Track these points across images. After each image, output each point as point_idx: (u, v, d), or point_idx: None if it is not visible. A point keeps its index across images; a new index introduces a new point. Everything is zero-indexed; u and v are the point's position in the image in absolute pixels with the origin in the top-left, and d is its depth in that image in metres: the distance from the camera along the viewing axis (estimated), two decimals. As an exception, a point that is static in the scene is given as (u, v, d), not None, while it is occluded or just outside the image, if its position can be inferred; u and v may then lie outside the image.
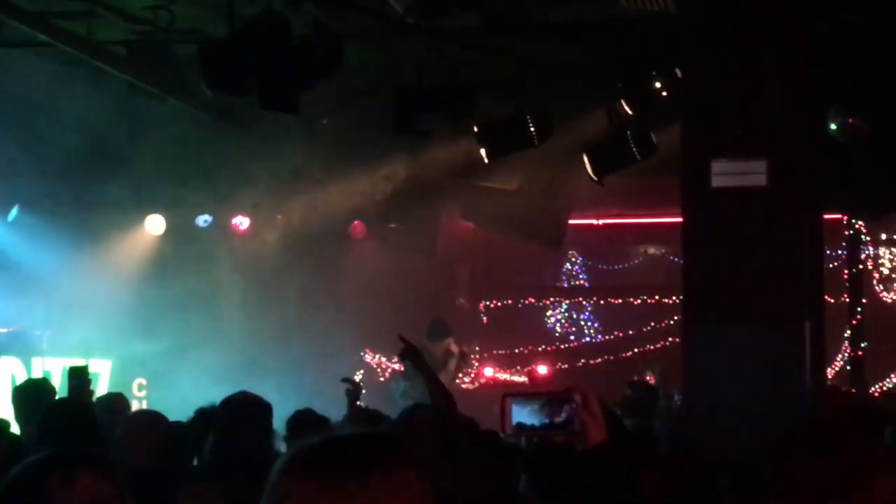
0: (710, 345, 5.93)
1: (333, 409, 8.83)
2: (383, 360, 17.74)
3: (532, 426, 3.44)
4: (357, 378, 17.27)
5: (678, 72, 9.26)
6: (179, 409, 8.42)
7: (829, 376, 16.19)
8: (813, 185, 10.81)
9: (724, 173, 5.93)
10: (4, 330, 13.68)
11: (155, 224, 15.33)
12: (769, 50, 6.03)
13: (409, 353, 7.45)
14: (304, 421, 6.88)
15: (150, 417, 7.31)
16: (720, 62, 6.07)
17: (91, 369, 14.10)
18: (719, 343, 5.92)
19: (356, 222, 16.24)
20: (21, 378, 12.66)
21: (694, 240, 6.11)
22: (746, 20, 6.04)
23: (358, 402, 8.92)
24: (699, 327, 5.98)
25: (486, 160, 11.50)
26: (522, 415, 3.45)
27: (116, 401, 8.82)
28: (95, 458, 3.36)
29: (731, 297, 5.93)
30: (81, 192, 13.50)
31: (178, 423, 7.36)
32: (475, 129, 11.28)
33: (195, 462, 6.98)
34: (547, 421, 3.44)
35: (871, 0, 8.77)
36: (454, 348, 16.11)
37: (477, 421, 9.01)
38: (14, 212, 14.02)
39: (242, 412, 5.91)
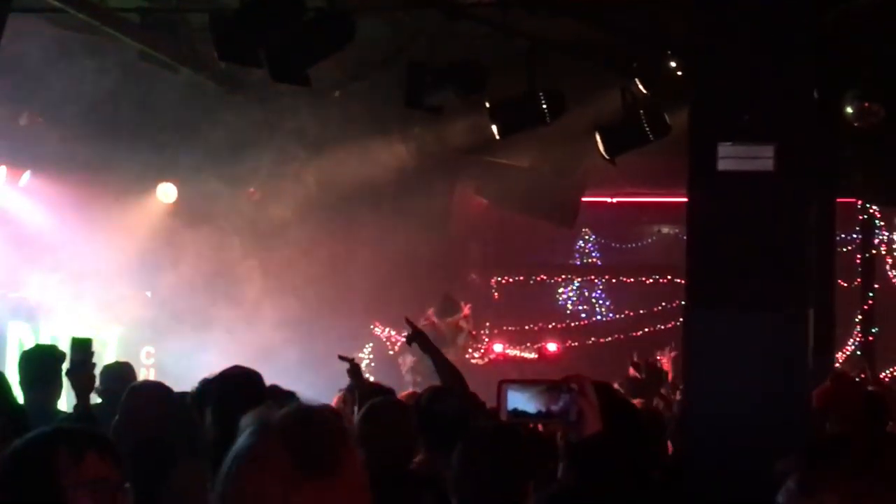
0: (711, 328, 5.89)
1: (340, 380, 8.80)
2: (392, 333, 17.74)
3: (528, 413, 3.43)
4: (367, 351, 17.35)
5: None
6: (188, 377, 8.42)
7: (840, 360, 16.15)
8: (822, 171, 10.79)
9: (730, 157, 5.88)
10: (14, 295, 13.69)
11: (166, 192, 15.32)
12: (779, 33, 5.97)
13: (415, 337, 7.46)
14: (270, 396, 6.84)
15: (155, 388, 7.31)
16: (729, 45, 6.01)
17: (100, 336, 14.26)
18: (721, 326, 5.88)
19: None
20: (29, 343, 12.69)
21: (699, 223, 6.06)
22: (756, 2, 5.97)
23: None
24: (701, 311, 5.94)
25: (497, 137, 11.45)
26: (519, 401, 3.43)
27: (124, 369, 8.82)
28: (101, 438, 3.40)
29: (735, 282, 5.89)
30: (93, 157, 13.47)
31: (183, 394, 7.36)
32: (487, 105, 11.23)
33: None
34: (543, 409, 3.42)
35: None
36: (463, 324, 16.09)
37: (489, 397, 9.02)
38: (26, 176, 14.02)
39: (233, 388, 5.88)
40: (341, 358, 8.28)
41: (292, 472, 2.20)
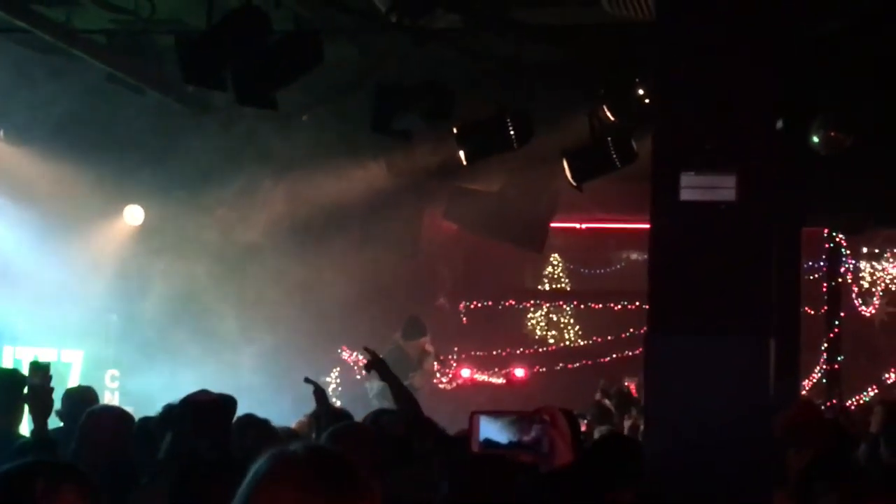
0: (672, 354, 5.89)
1: (306, 404, 8.75)
2: (360, 357, 17.67)
3: (499, 443, 3.41)
4: (334, 375, 17.28)
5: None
6: (152, 401, 8.36)
7: (806, 388, 16.20)
8: (788, 199, 10.83)
9: (692, 187, 5.89)
10: (-24, 318, 13.59)
11: (134, 214, 15.24)
12: (741, 63, 5.99)
13: (374, 365, 7.46)
14: (246, 424, 6.82)
15: (114, 413, 7.26)
16: (691, 74, 6.02)
17: (63, 359, 14.15)
18: (682, 354, 5.88)
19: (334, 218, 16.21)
20: (-8, 366, 12.58)
21: (661, 251, 6.06)
22: (718, 33, 5.99)
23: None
24: (662, 336, 5.94)
25: (465, 162, 11.45)
26: (491, 431, 3.41)
27: (86, 393, 8.76)
28: (78, 472, 3.43)
29: (696, 310, 5.89)
30: (59, 179, 13.40)
31: (145, 419, 7.30)
32: (455, 130, 11.22)
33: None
34: (515, 439, 3.40)
35: (848, 12, 8.73)
36: (430, 347, 16.05)
37: (454, 421, 9.00)
38: (-9, 198, 13.93)
39: (199, 413, 5.85)
40: (307, 381, 8.24)
41: (313, 484, 2.21)
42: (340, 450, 2.35)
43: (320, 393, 8.10)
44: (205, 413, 5.74)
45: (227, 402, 6.29)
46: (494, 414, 3.41)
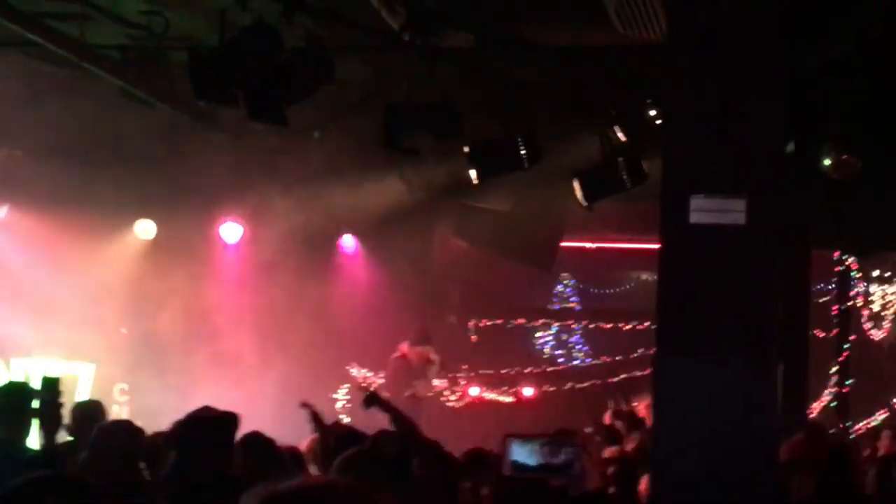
0: (679, 377, 5.86)
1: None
2: (369, 375, 17.66)
3: (529, 466, 3.40)
4: (343, 392, 17.27)
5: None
6: (161, 415, 8.36)
7: (815, 411, 16.15)
8: (798, 222, 10.82)
9: (702, 210, 5.87)
10: (-14, 330, 13.63)
11: (145, 228, 15.28)
12: (751, 86, 5.98)
13: (372, 401, 7.54)
14: (251, 443, 6.81)
15: (123, 428, 7.25)
16: (701, 96, 6.02)
17: (73, 372, 14.18)
18: (690, 378, 5.85)
19: (347, 236, 16.24)
20: (2, 379, 12.60)
21: (670, 274, 6.04)
22: (728, 55, 5.98)
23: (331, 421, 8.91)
24: (670, 360, 5.92)
25: (475, 181, 11.46)
26: (522, 454, 3.41)
27: (94, 407, 8.77)
28: (89, 491, 3.40)
29: (704, 334, 5.87)
30: (71, 192, 13.45)
31: (156, 434, 7.31)
32: (466, 150, 11.24)
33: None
34: (545, 462, 3.40)
35: (857, 36, 8.73)
36: (434, 357, 16.02)
37: (462, 439, 9.00)
38: (3, 210, 13.98)
39: (201, 431, 5.83)
40: (302, 405, 8.28)
41: None
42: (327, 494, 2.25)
43: (314, 415, 8.14)
44: (207, 430, 5.73)
45: (230, 420, 6.29)
46: (525, 437, 3.41)
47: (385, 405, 7.53)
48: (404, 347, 15.90)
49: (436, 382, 16.22)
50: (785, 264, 7.98)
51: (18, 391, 7.99)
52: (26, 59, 11.26)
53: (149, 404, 13.46)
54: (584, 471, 3.38)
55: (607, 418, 13.62)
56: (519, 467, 3.40)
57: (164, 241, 15.37)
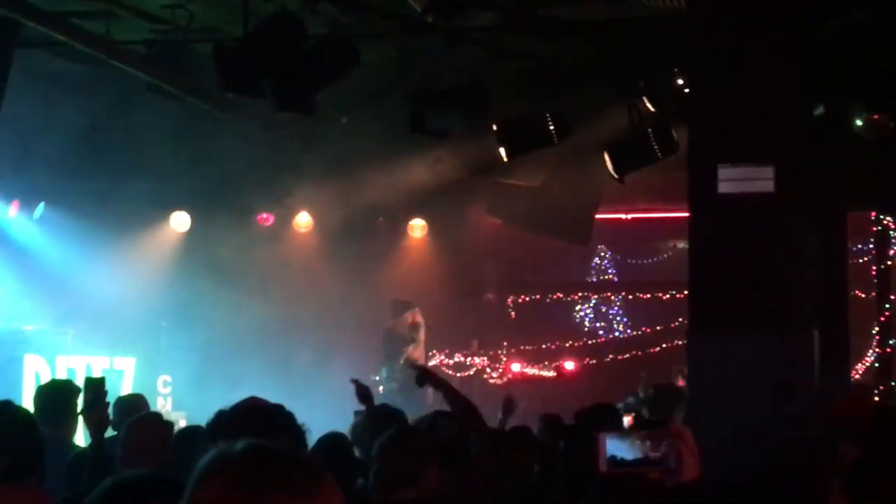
0: (713, 351, 5.86)
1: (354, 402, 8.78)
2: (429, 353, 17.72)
3: (627, 461, 3.38)
4: (384, 373, 17.34)
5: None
6: (204, 407, 8.41)
7: (859, 372, 16.06)
8: (829, 186, 10.73)
9: (730, 179, 5.85)
10: (29, 327, 13.72)
11: (180, 221, 15.36)
12: (776, 54, 5.95)
13: (424, 378, 7.52)
14: (332, 447, 6.79)
15: (153, 421, 7.29)
16: (726, 66, 5.99)
17: (116, 367, 14.29)
18: (725, 351, 5.85)
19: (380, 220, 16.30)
20: (45, 376, 12.71)
21: (700, 246, 6.04)
22: (752, 22, 5.95)
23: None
24: (704, 333, 5.92)
25: (505, 159, 11.44)
26: (619, 449, 3.38)
27: (136, 401, 8.82)
28: (162, 491, 3.27)
29: (737, 306, 5.86)
30: (105, 188, 13.54)
31: (194, 427, 7.34)
32: (494, 128, 11.22)
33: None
34: (642, 456, 3.38)
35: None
36: (419, 318, 16.21)
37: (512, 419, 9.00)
38: (40, 208, 14.08)
39: (247, 420, 5.84)
40: (353, 382, 8.30)
41: (244, 479, 2.10)
42: (287, 447, 2.22)
43: (364, 391, 8.12)
44: (256, 420, 5.73)
45: (278, 411, 6.31)
46: (620, 431, 3.40)
47: (438, 382, 7.51)
48: (388, 325, 16.20)
49: None
50: (821, 227, 7.92)
51: (63, 389, 8.06)
52: (54, 57, 11.32)
53: (192, 396, 13.56)
54: (682, 461, 3.35)
55: (641, 391, 13.62)
56: (616, 462, 3.37)
57: (199, 233, 15.45)
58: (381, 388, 15.39)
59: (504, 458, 7.05)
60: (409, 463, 5.61)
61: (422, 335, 16.32)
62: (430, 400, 15.44)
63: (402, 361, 15.82)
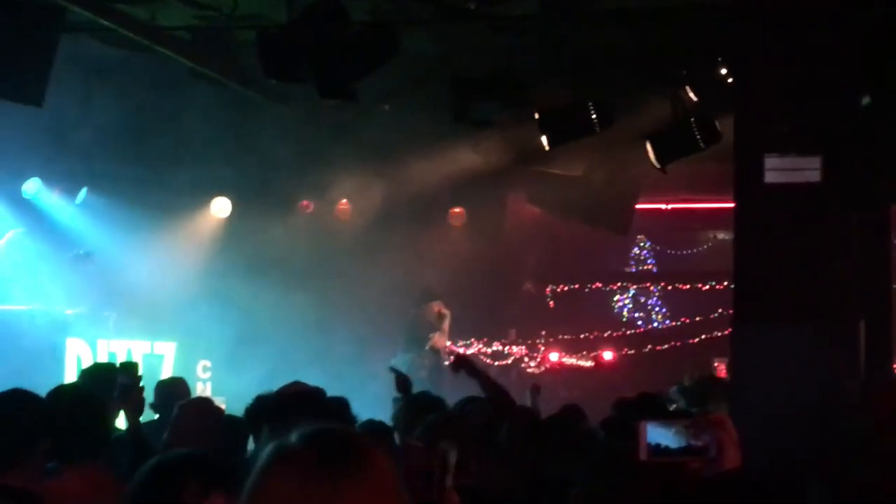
0: (759, 341, 5.82)
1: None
2: (448, 344, 17.71)
3: (669, 449, 3.36)
4: (398, 359, 17.39)
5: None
6: (243, 392, 8.45)
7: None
8: (874, 177, 10.63)
9: (777, 169, 5.81)
10: (71, 311, 13.82)
11: (221, 206, 15.41)
12: (823, 41, 5.89)
13: (461, 365, 7.52)
14: (373, 433, 6.79)
15: (204, 406, 7.33)
16: (772, 54, 5.94)
17: (156, 351, 14.38)
18: (768, 340, 5.82)
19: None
20: (87, 360, 12.82)
21: (746, 236, 6.00)
22: (799, 10, 5.90)
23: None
24: (749, 323, 5.88)
25: (547, 148, 11.41)
26: (661, 437, 3.36)
27: (177, 385, 8.87)
28: (229, 478, 3.32)
29: (782, 296, 5.82)
30: (147, 173, 13.61)
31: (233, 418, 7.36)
32: (536, 116, 11.19)
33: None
34: (685, 444, 3.36)
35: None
36: (445, 310, 16.38)
37: (544, 404, 8.99)
38: (82, 193, 14.17)
39: (292, 405, 5.85)
40: (392, 370, 8.31)
41: (316, 468, 2.11)
42: (340, 427, 2.24)
43: (403, 381, 8.13)
44: (301, 404, 5.73)
45: (318, 395, 6.32)
46: (662, 420, 3.39)
47: (474, 369, 7.51)
48: (413, 311, 16.48)
49: None
50: (866, 219, 7.85)
51: (104, 372, 8.12)
52: (99, 43, 11.37)
53: (232, 381, 13.62)
54: (724, 450, 3.32)
55: (686, 381, 13.57)
56: (657, 450, 3.35)
57: (240, 219, 15.50)
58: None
59: (541, 446, 7.04)
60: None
61: (446, 325, 16.45)
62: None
63: (427, 347, 15.98)
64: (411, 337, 16.36)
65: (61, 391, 5.73)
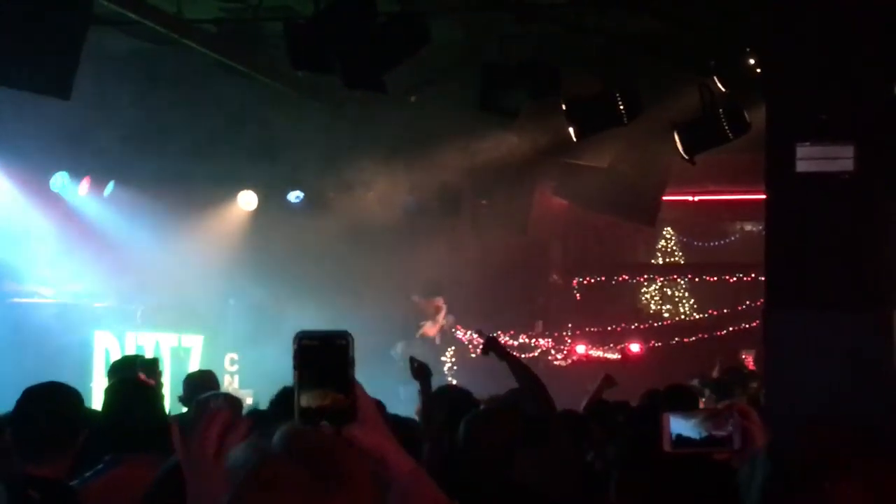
0: (792, 330, 5.79)
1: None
2: (475, 336, 17.70)
3: (692, 440, 3.34)
4: (449, 354, 17.36)
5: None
6: (271, 385, 8.44)
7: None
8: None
9: (809, 158, 5.77)
10: (99, 304, 13.85)
11: (247, 200, 15.43)
12: (855, 28, 5.84)
13: (490, 347, 7.45)
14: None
15: (221, 400, 7.32)
16: (803, 42, 5.89)
17: (184, 344, 14.40)
18: (802, 328, 5.78)
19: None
20: (115, 352, 12.85)
21: (778, 225, 5.96)
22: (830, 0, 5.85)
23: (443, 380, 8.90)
24: (782, 312, 5.84)
25: (574, 139, 11.37)
26: (683, 428, 3.34)
27: (206, 377, 8.88)
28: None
29: (815, 284, 5.78)
30: (174, 167, 13.61)
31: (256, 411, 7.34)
32: (564, 107, 11.15)
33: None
34: (708, 435, 3.34)
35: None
36: (442, 305, 16.66)
37: (572, 398, 8.95)
38: (110, 187, 14.20)
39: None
40: (411, 360, 8.10)
41: (312, 488, 2.07)
42: (315, 431, 2.17)
43: (420, 368, 7.80)
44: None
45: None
46: (685, 412, 3.37)
47: (503, 352, 7.45)
48: (416, 299, 16.76)
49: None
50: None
51: (130, 366, 8.16)
52: (125, 36, 11.38)
53: (259, 374, 13.62)
54: (750, 440, 3.29)
55: (716, 372, 13.53)
56: (681, 441, 3.32)
57: (266, 213, 15.51)
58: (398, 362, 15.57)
59: (580, 436, 7.00)
60: (500, 441, 5.56)
61: (441, 318, 16.57)
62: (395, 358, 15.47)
63: (417, 335, 16.15)
64: (406, 325, 16.57)
65: (114, 386, 5.78)
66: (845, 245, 5.75)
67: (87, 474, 4.89)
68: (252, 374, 14.31)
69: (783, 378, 5.82)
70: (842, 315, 5.71)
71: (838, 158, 5.72)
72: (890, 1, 5.98)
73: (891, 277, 5.91)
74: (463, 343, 17.84)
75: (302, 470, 2.08)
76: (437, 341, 16.78)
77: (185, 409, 8.10)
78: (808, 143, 5.73)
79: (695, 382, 12.70)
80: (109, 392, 5.48)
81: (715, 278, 19.28)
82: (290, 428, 2.15)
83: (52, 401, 4.74)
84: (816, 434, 2.31)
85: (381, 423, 2.27)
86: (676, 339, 18.78)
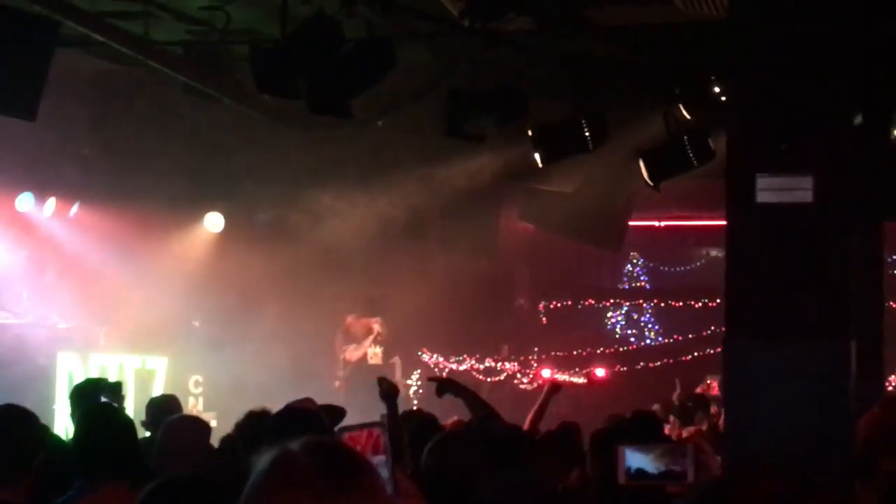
0: (751, 358, 5.81)
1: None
2: (440, 359, 17.71)
3: (648, 473, 3.37)
4: (415, 378, 17.33)
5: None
6: (235, 408, 8.42)
7: (893, 384, 15.95)
8: (866, 195, 10.65)
9: (769, 188, 5.81)
10: (63, 326, 13.79)
11: (214, 221, 15.39)
12: (817, 62, 5.90)
13: (444, 388, 7.49)
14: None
15: (190, 423, 7.28)
16: (765, 74, 5.94)
17: (148, 366, 14.34)
18: (761, 358, 5.80)
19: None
20: (78, 373, 12.78)
21: (737, 254, 5.99)
22: (794, 30, 5.90)
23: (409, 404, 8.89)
24: (740, 341, 5.87)
25: (540, 165, 11.42)
26: (639, 461, 3.36)
27: (169, 402, 8.83)
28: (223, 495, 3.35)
29: (774, 313, 5.81)
30: (140, 188, 13.58)
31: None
32: (530, 132, 11.20)
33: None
34: (663, 469, 3.36)
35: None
36: (376, 328, 16.21)
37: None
38: (74, 208, 14.15)
39: (291, 424, 5.76)
40: (380, 380, 8.04)
41: (325, 483, 2.09)
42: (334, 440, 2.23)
43: (387, 388, 7.65)
44: (309, 423, 5.65)
45: (334, 413, 6.28)
46: (640, 445, 3.39)
47: (458, 390, 7.48)
48: (349, 318, 16.30)
49: (377, 351, 16.39)
50: (857, 237, 7.86)
51: (94, 389, 8.10)
52: (93, 58, 11.37)
53: (223, 397, 13.59)
54: (704, 469, 3.31)
55: (676, 394, 13.61)
56: (637, 475, 3.35)
57: (232, 235, 15.48)
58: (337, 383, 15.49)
59: (542, 461, 7.03)
60: (463, 465, 5.58)
61: (369, 342, 16.24)
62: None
63: (341, 358, 15.95)
64: (339, 346, 16.31)
65: (90, 411, 5.75)
66: (804, 275, 5.78)
67: (58, 501, 4.87)
68: (216, 397, 14.27)
69: (742, 406, 5.85)
70: (800, 344, 5.74)
71: (797, 189, 5.76)
72: (851, 32, 6.04)
73: (849, 307, 5.95)
74: (429, 366, 17.84)
75: (318, 469, 2.10)
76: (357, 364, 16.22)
77: (147, 434, 8.04)
78: (767, 174, 5.78)
79: (656, 407, 12.78)
80: (84, 417, 5.45)
81: (680, 303, 19.38)
82: (310, 436, 2.18)
83: (2, 424, 4.73)
84: (759, 483, 2.33)
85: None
86: (642, 363, 18.86)
